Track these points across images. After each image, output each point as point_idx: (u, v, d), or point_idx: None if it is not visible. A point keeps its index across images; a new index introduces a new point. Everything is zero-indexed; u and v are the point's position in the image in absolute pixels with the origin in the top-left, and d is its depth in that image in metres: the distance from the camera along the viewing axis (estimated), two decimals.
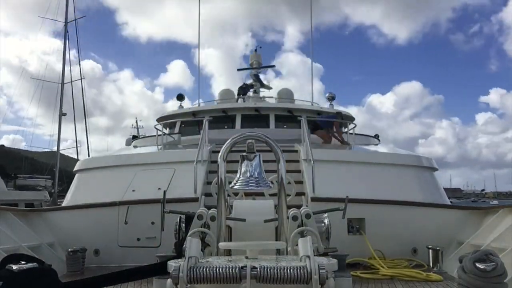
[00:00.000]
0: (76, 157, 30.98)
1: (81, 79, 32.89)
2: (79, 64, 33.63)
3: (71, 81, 32.44)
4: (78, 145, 32.38)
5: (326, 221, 3.91)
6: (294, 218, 3.50)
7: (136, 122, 38.31)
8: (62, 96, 31.98)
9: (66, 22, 32.75)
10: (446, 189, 9.27)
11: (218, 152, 3.14)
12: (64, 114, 32.00)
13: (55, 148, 31.81)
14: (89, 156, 29.57)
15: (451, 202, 9.02)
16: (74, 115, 32.66)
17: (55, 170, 30.03)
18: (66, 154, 38.68)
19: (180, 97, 12.73)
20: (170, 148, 9.90)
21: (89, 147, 32.44)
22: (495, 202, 65.54)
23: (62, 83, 32.23)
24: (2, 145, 57.23)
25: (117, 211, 6.59)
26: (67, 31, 32.63)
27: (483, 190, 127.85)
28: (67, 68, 32.48)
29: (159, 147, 10.18)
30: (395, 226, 6.53)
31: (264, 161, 3.33)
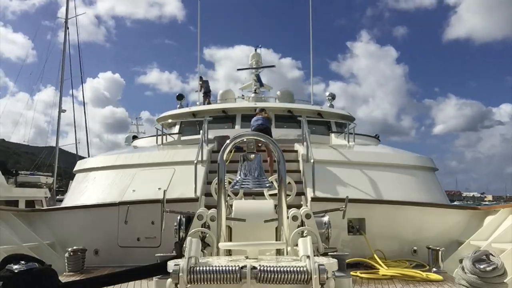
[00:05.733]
0: (75, 152, 31.33)
1: (81, 74, 33.26)
2: (79, 59, 33.97)
3: (71, 78, 32.68)
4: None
5: (326, 221, 3.91)
6: (294, 218, 3.50)
7: (136, 120, 38.48)
8: (61, 93, 32.20)
9: (66, 19, 32.89)
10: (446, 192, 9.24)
11: (218, 152, 3.13)
12: (64, 111, 32.25)
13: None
14: (89, 155, 29.83)
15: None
16: (74, 111, 33.00)
17: (54, 165, 30.08)
18: (67, 150, 38.70)
19: (180, 97, 12.73)
20: (170, 148, 9.91)
21: (89, 145, 32.74)
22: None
23: (62, 80, 32.44)
24: (3, 139, 56.68)
25: (117, 211, 6.59)
26: (67, 28, 32.83)
27: (482, 193, 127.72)
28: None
29: (159, 147, 10.18)
30: (395, 226, 6.53)
31: (264, 161, 3.33)
